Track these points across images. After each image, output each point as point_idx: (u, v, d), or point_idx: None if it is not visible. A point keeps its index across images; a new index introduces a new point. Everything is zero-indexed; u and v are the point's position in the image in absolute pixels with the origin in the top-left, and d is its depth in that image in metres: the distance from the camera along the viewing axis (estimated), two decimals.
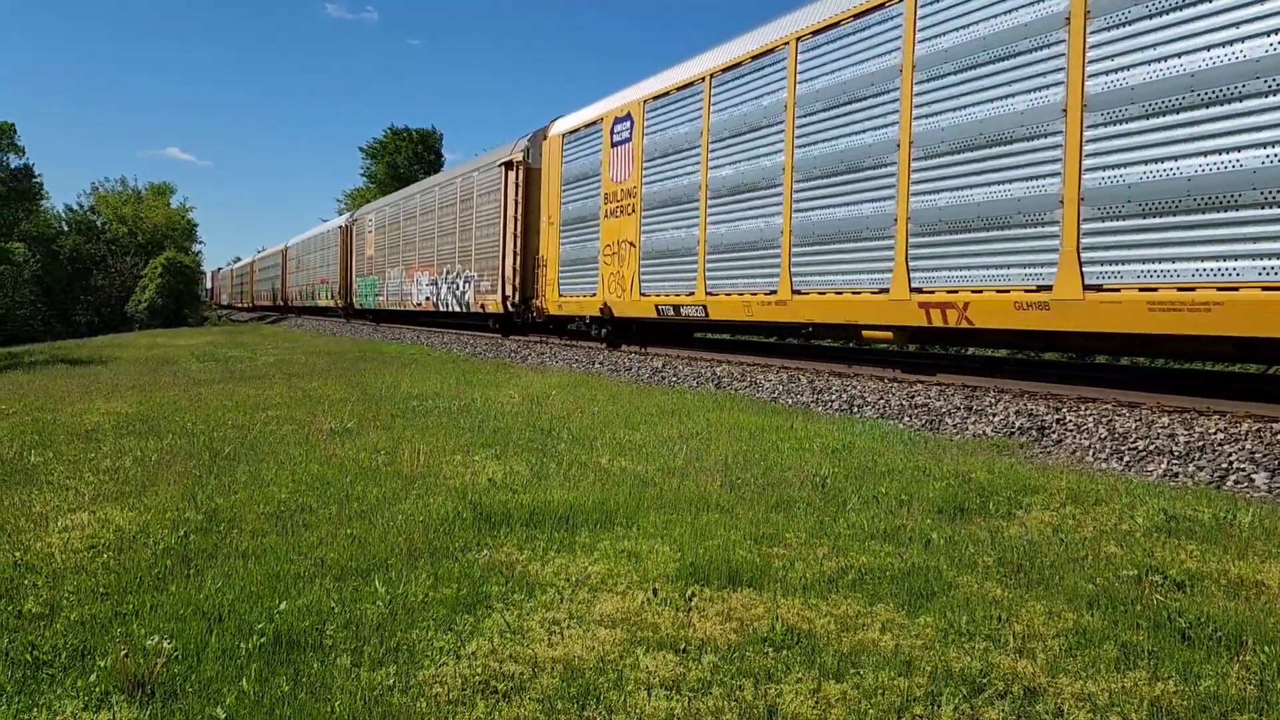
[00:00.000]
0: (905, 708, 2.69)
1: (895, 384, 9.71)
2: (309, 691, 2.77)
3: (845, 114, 10.09)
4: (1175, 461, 6.14)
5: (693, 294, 12.82)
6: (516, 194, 19.03)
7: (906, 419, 8.25)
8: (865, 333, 9.88)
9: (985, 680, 2.85)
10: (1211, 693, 2.76)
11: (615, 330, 15.95)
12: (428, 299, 25.35)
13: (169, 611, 3.42)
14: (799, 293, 10.74)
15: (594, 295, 15.67)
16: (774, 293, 11.10)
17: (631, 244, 14.47)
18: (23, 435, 7.62)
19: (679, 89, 13.29)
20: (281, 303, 52.11)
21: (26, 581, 3.81)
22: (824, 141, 10.40)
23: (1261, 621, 3.28)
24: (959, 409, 8.19)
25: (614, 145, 15.25)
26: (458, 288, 22.87)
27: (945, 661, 2.98)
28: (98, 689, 2.80)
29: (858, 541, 4.31)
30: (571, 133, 16.95)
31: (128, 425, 8.13)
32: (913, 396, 8.89)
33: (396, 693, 2.78)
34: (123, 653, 2.91)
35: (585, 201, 16.19)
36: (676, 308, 13.27)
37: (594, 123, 16.04)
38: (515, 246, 19.04)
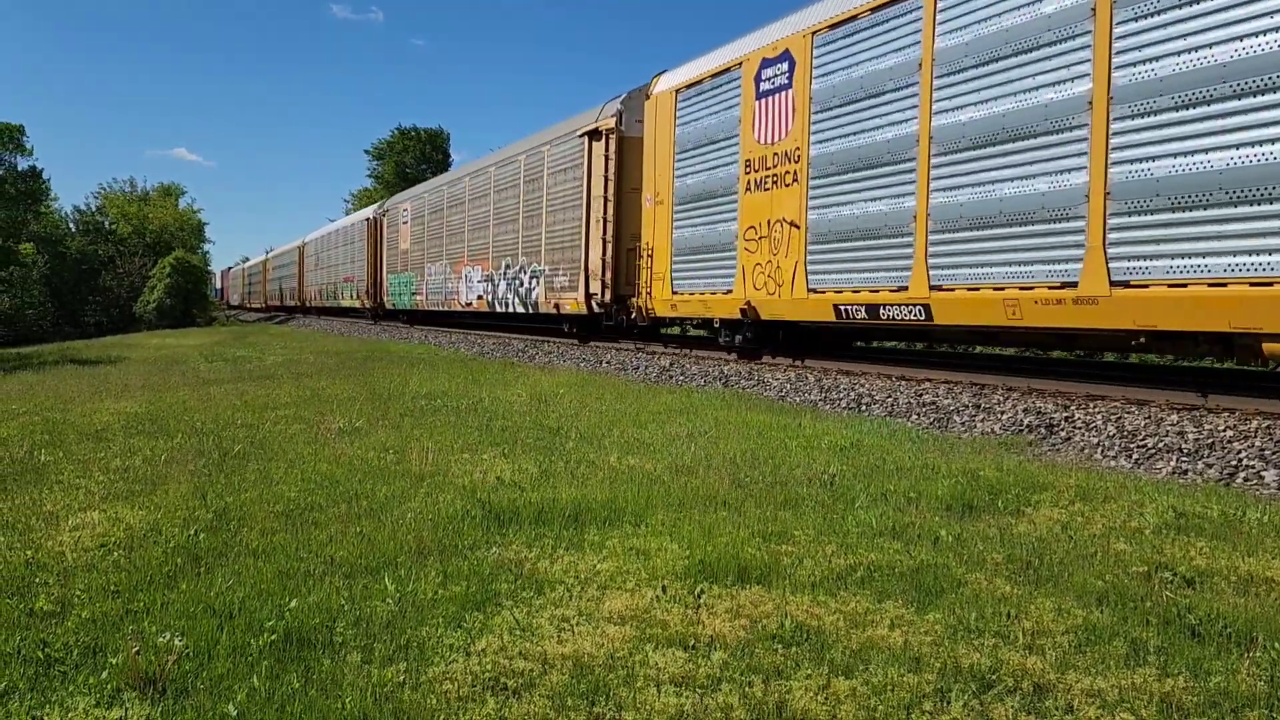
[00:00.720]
0: (915, 704, 2.69)
1: (903, 382, 9.70)
2: (320, 688, 2.78)
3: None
4: (1184, 459, 6.12)
5: (904, 288, 9.41)
6: (606, 169, 15.64)
7: (914, 417, 8.24)
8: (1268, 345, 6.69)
9: (995, 677, 2.85)
10: (1222, 689, 2.75)
11: (757, 336, 12.60)
12: (480, 298, 21.77)
13: (180, 609, 3.44)
14: (1127, 285, 7.33)
15: (729, 292, 12.35)
16: (1071, 285, 7.74)
17: (793, 224, 11.14)
18: (33, 435, 7.66)
19: (875, 8, 9.82)
20: (298, 303, 49.50)
21: (38, 579, 3.83)
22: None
23: (1272, 618, 3.27)
24: (967, 407, 8.18)
25: (760, 96, 11.83)
26: (521, 284, 19.34)
27: (954, 658, 2.98)
28: (109, 686, 2.81)
29: (866, 539, 4.31)
30: (690, 86, 13.35)
31: (137, 425, 8.16)
32: (920, 394, 8.88)
33: (407, 689, 2.79)
34: (134, 650, 2.92)
35: (713, 173, 12.83)
36: (874, 308, 9.86)
37: (725, 70, 12.62)
38: (605, 233, 15.60)
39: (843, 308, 10.28)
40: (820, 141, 10.74)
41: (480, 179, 22.33)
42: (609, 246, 15.65)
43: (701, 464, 6.04)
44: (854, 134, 10.20)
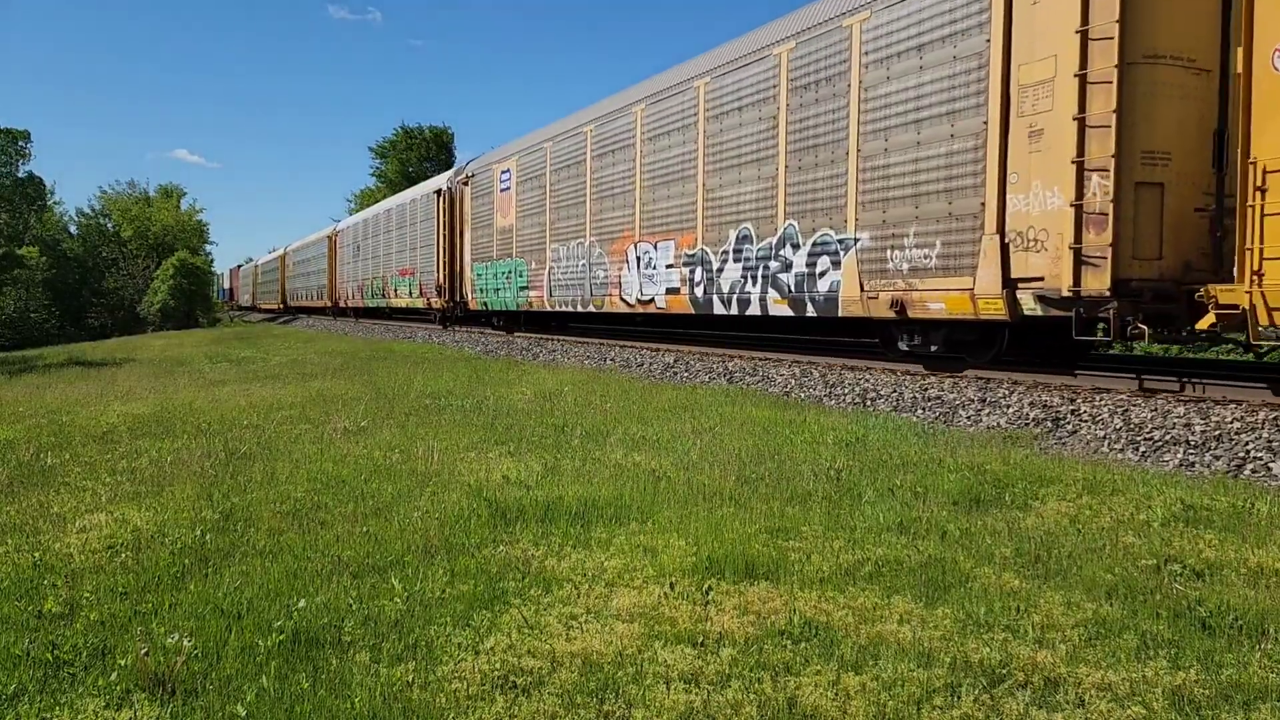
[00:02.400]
0: (925, 699, 2.68)
1: (908, 377, 9.68)
2: (329, 688, 2.78)
3: None
4: (1191, 451, 6.10)
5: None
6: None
7: (920, 412, 8.22)
8: None
9: (1005, 671, 2.84)
10: (1233, 681, 2.74)
11: None
12: (675, 292, 13.53)
13: (188, 610, 3.44)
14: None
15: None
16: None
17: None
18: (40, 438, 7.67)
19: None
20: (328, 303, 41.37)
21: (46, 582, 3.84)
22: None
23: None
24: (973, 401, 8.16)
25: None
26: (785, 266, 11.20)
27: (964, 652, 2.97)
28: (119, 687, 2.81)
29: (874, 534, 4.30)
30: None
31: (143, 426, 8.17)
32: (926, 389, 8.86)
33: (416, 688, 2.78)
34: (143, 651, 2.92)
35: None
36: None
37: None
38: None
39: None
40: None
41: (681, 99, 13.47)
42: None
43: (707, 460, 6.03)
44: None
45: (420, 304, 26.63)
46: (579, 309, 16.84)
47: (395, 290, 29.42)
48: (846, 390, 9.43)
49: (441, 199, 24.41)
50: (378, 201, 49.01)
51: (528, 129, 25.18)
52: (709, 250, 12.73)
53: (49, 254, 51.46)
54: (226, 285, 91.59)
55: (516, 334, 20.67)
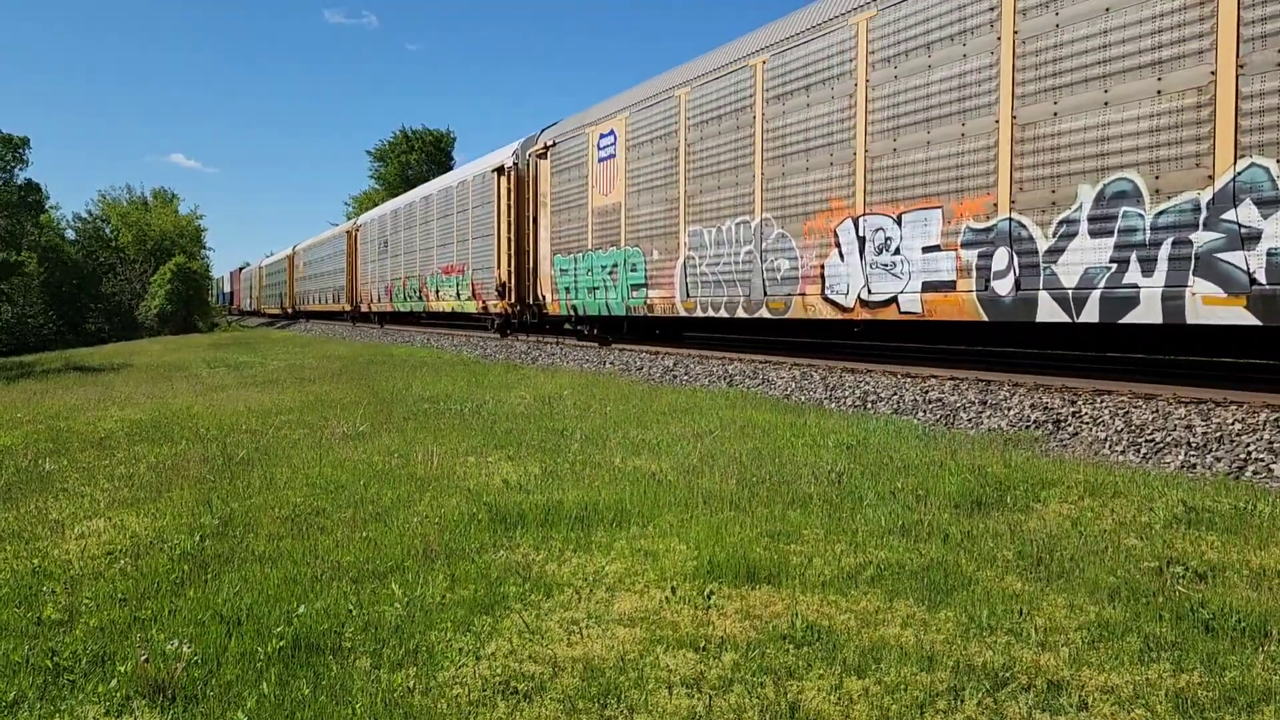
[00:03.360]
0: (928, 703, 2.67)
1: (909, 379, 9.67)
2: (329, 694, 2.77)
3: None
4: (1193, 453, 6.09)
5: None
6: None
7: (921, 414, 8.22)
8: None
9: (1008, 674, 2.83)
10: (1237, 683, 2.73)
11: None
12: (947, 288, 8.98)
13: (187, 616, 3.42)
14: None
15: None
16: None
17: None
18: (38, 443, 7.65)
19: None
20: (348, 307, 36.85)
21: (45, 588, 3.82)
22: None
23: None
24: (974, 403, 8.15)
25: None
26: None
27: (967, 656, 2.96)
28: (119, 694, 2.80)
29: (875, 537, 4.29)
30: None
31: (141, 432, 8.15)
32: (926, 391, 8.86)
33: (417, 694, 2.77)
34: (143, 658, 2.91)
35: None
36: None
37: None
38: None
39: None
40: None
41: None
42: None
43: (707, 464, 6.02)
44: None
45: (472, 307, 21.75)
46: (738, 314, 12.07)
47: (436, 291, 24.48)
48: (847, 393, 9.43)
49: (505, 179, 19.44)
50: (376, 205, 47.83)
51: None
52: (1024, 220, 8.18)
53: (47, 259, 51.48)
54: (227, 289, 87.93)
55: (616, 345, 15.58)
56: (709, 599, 3.51)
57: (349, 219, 52.57)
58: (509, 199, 19.40)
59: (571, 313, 16.92)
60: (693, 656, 3.02)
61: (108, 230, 64.02)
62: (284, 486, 5.63)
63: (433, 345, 21.88)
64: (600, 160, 15.57)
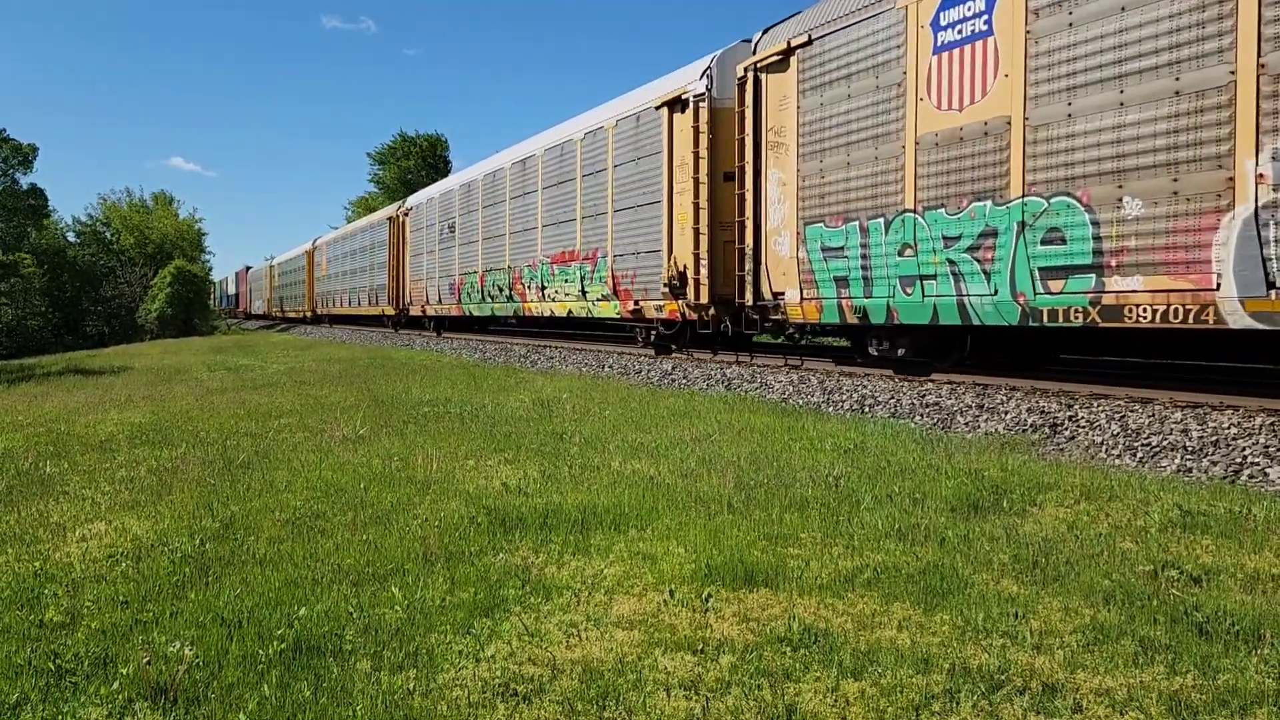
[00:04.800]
0: (924, 705, 2.70)
1: (906, 383, 9.69)
2: (330, 696, 2.79)
3: None
4: (1189, 457, 6.12)
5: None
6: None
7: (918, 418, 8.24)
8: None
9: (1004, 677, 2.85)
10: (1230, 686, 2.76)
11: None
12: None
13: (189, 619, 3.45)
14: None
15: None
16: None
17: None
18: (39, 446, 7.67)
19: None
20: (392, 309, 29.36)
21: (47, 591, 3.84)
22: None
23: (1279, 615, 3.27)
24: (970, 407, 8.18)
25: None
26: None
27: (963, 658, 2.98)
28: (121, 696, 2.82)
29: (872, 540, 4.31)
30: None
31: (142, 435, 8.18)
32: (924, 395, 8.88)
33: (417, 696, 2.79)
34: (145, 660, 2.93)
35: None
36: None
37: None
38: None
39: None
40: None
41: None
42: None
43: (706, 467, 6.05)
44: None
45: (608, 310, 15.19)
46: None
47: (542, 289, 17.62)
48: (844, 396, 9.45)
49: (690, 115, 12.83)
50: (375, 210, 45.74)
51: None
52: None
53: (48, 262, 51.54)
54: (232, 290, 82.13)
55: (937, 376, 9.75)
56: (707, 602, 3.53)
57: (346, 223, 51.68)
58: (698, 145, 12.53)
59: (851, 318, 10.00)
60: (691, 659, 3.04)
61: (108, 234, 64.08)
62: (284, 489, 5.65)
63: (432, 349, 21.88)
64: (945, 48, 8.74)
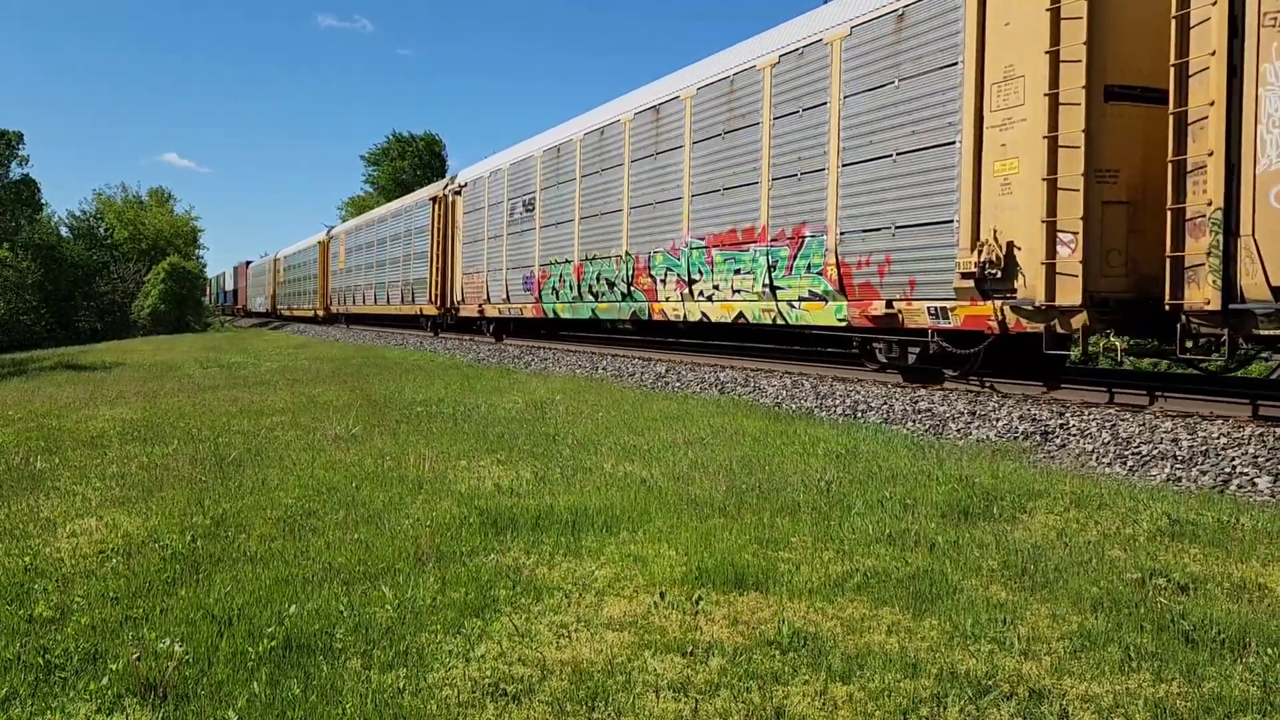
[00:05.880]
0: (912, 709, 2.71)
1: (899, 389, 9.72)
2: (320, 694, 2.79)
3: None
4: (1179, 466, 6.15)
5: None
6: None
7: (910, 424, 8.27)
8: None
9: (991, 682, 2.87)
10: (1215, 694, 2.78)
11: None
12: None
13: (179, 615, 3.45)
14: None
15: None
16: None
17: None
18: (30, 442, 7.65)
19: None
20: (439, 309, 23.88)
21: (37, 586, 3.84)
22: None
23: (1264, 624, 3.30)
24: (962, 414, 8.20)
25: None
26: None
27: (951, 663, 3.00)
28: (110, 692, 2.82)
29: (863, 545, 4.33)
30: None
31: (133, 431, 8.16)
32: (916, 401, 8.91)
33: (407, 695, 2.80)
34: (135, 656, 2.93)
35: None
36: None
37: None
38: None
39: None
40: None
41: None
42: None
43: (698, 470, 6.06)
44: None
45: (826, 315, 10.59)
46: None
47: (690, 280, 12.94)
48: (837, 402, 9.47)
49: None
50: (371, 209, 42.96)
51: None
52: None
53: (41, 256, 51.34)
54: (229, 287, 78.07)
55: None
56: (697, 604, 3.54)
57: (343, 220, 50.87)
58: (1059, 38, 7.71)
59: None
60: (680, 661, 3.05)
61: (102, 229, 63.90)
62: (276, 488, 5.65)
63: (425, 349, 21.85)
64: None
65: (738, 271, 11.92)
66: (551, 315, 17.47)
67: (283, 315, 50.92)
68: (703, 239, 12.63)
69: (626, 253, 14.59)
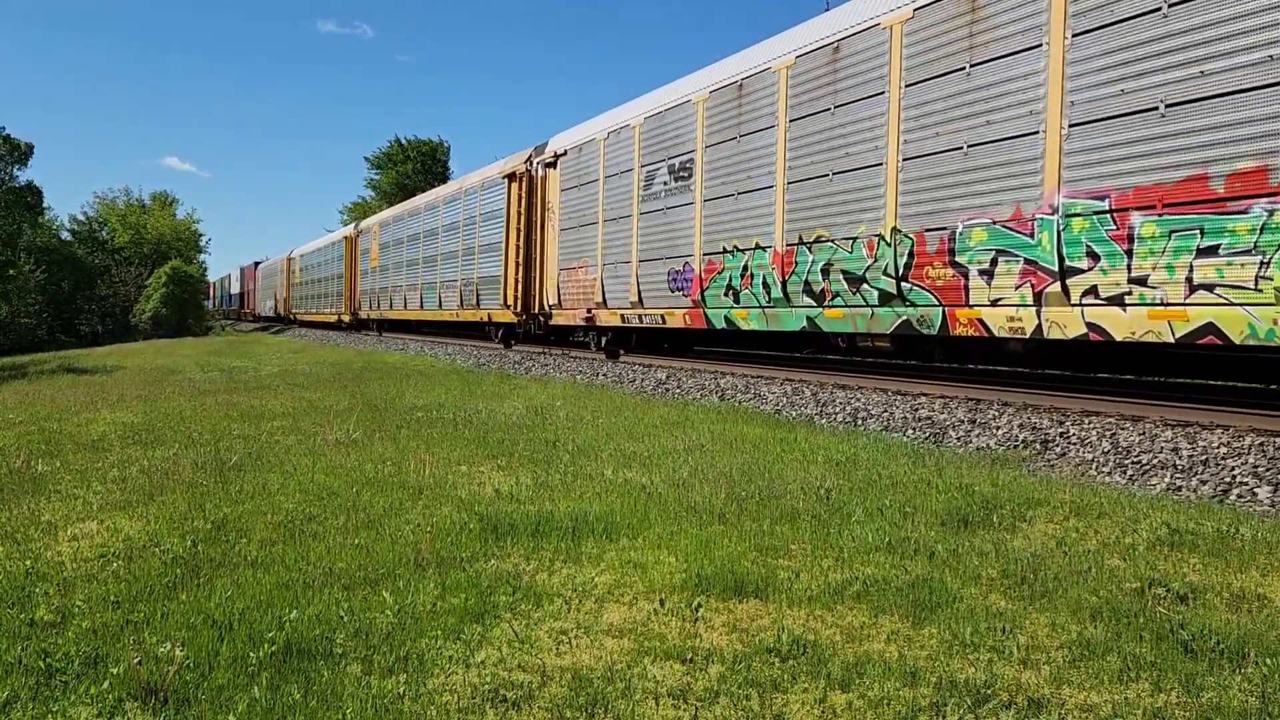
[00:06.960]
0: (911, 717, 2.71)
1: (899, 396, 9.73)
2: (320, 699, 2.80)
3: None
4: (1178, 475, 6.15)
5: None
6: None
7: (910, 432, 8.27)
8: None
9: (990, 691, 2.87)
10: (1214, 704, 2.78)
11: None
12: None
13: (180, 620, 3.45)
14: None
15: None
16: None
17: None
18: (30, 445, 7.66)
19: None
20: (516, 314, 19.27)
21: (38, 590, 3.84)
22: None
23: (1264, 634, 3.30)
24: (962, 422, 8.21)
25: None
26: None
27: (950, 672, 3.00)
28: (111, 696, 2.83)
29: (862, 553, 4.34)
30: None
31: (134, 435, 8.17)
32: (916, 409, 8.92)
33: (407, 700, 2.80)
34: (135, 660, 2.94)
35: None
36: None
37: None
38: None
39: None
40: None
41: None
42: None
43: (698, 477, 6.07)
44: None
45: None
46: None
47: (1063, 272, 7.91)
48: (837, 409, 9.48)
49: None
50: (373, 214, 43.02)
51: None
52: None
53: (43, 260, 51.41)
54: (236, 289, 75.07)
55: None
56: (697, 611, 3.55)
57: (345, 224, 50.18)
58: None
59: None
60: (680, 668, 3.05)
61: (104, 233, 63.99)
62: (276, 492, 5.66)
63: (426, 353, 21.86)
64: None
65: (1210, 251, 6.88)
66: (723, 325, 12.66)
67: (298, 320, 46.45)
68: (1103, 194, 7.62)
69: (894, 229, 9.70)
